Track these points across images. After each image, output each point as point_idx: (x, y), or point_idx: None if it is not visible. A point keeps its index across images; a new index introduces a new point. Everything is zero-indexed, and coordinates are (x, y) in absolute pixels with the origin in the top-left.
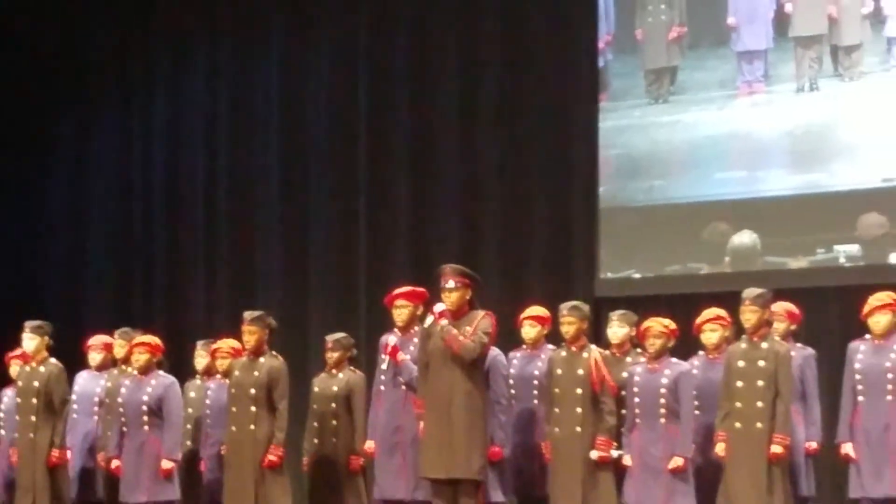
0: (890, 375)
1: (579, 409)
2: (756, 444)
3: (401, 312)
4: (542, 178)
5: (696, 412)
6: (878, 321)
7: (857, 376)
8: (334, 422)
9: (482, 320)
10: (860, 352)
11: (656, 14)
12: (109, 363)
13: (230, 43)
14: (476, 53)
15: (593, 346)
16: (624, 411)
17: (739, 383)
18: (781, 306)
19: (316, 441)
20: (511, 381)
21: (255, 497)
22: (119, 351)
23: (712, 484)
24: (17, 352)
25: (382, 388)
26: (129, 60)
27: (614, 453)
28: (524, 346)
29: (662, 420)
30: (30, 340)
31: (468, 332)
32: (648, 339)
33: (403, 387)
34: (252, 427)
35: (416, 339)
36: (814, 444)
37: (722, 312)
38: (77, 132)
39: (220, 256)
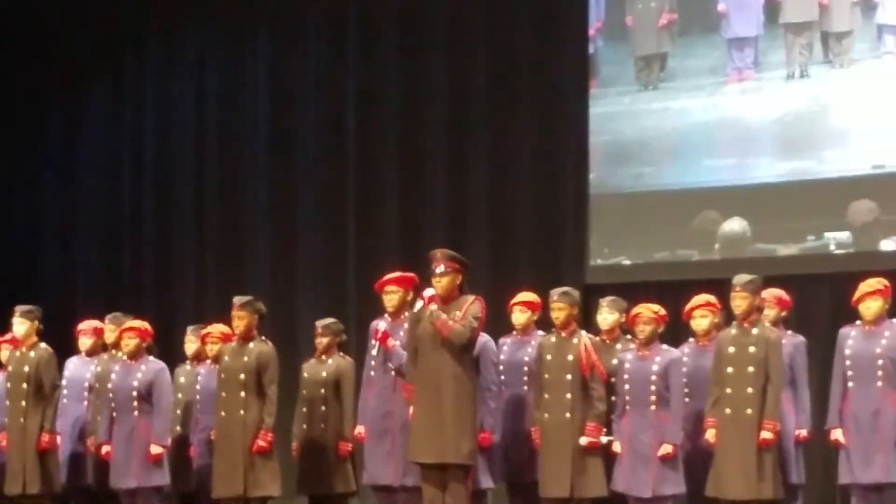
0: (880, 361)
1: (569, 395)
2: (746, 430)
3: (391, 298)
4: (532, 164)
5: (686, 399)
6: (869, 307)
7: (847, 362)
8: (323, 407)
9: (472, 305)
10: (850, 338)
11: (646, 1)
12: (99, 348)
13: (220, 26)
14: (466, 39)
15: (583, 332)
16: (613, 398)
17: (730, 369)
18: (771, 293)
19: (305, 426)
20: (501, 367)
21: (244, 482)
22: (109, 336)
23: (702, 471)
24: (7, 336)
25: (372, 373)
26: (120, 45)
27: (604, 439)
28: (514, 332)
29: (652, 407)
30: (20, 325)
31: (457, 316)
32: (638, 325)
33: (393, 372)
34: (241, 412)
35: (406, 325)
36: (804, 432)
37: (712, 299)
38: (67, 118)
39: (210, 242)
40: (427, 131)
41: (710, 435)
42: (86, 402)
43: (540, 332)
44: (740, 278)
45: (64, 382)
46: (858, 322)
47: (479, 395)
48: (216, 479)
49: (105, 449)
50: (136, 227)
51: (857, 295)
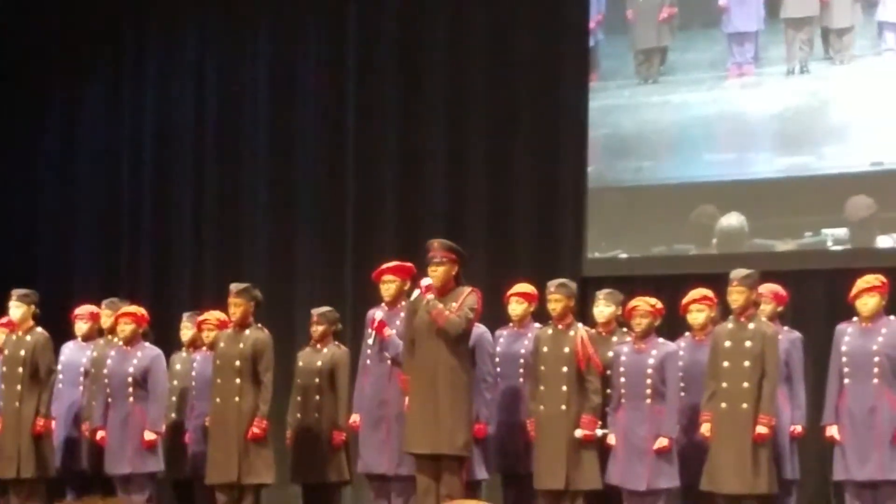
0: (876, 359)
1: (565, 388)
2: (741, 424)
3: (388, 287)
4: (531, 157)
5: (682, 393)
6: (866, 303)
7: (844, 359)
8: (317, 396)
9: (468, 296)
10: (847, 334)
11: None
12: (96, 333)
13: (221, 16)
14: (466, 34)
15: (580, 325)
16: (609, 391)
17: (726, 363)
18: (768, 288)
19: (299, 415)
20: (497, 359)
21: (238, 469)
22: (106, 321)
23: (697, 465)
24: (4, 320)
25: (368, 362)
26: (121, 34)
27: (599, 432)
28: (511, 324)
29: (648, 400)
30: (16, 309)
31: (454, 307)
32: (635, 318)
33: (389, 362)
34: (237, 399)
35: (402, 314)
36: (798, 428)
37: (708, 293)
38: (66, 105)
39: (208, 228)
40: (426, 124)
41: (705, 429)
42: (81, 388)
43: (536, 325)
44: (737, 273)
45: (59, 367)
46: (855, 319)
47: (475, 386)
48: (210, 465)
49: (100, 434)
50: (133, 213)
51: (854, 291)
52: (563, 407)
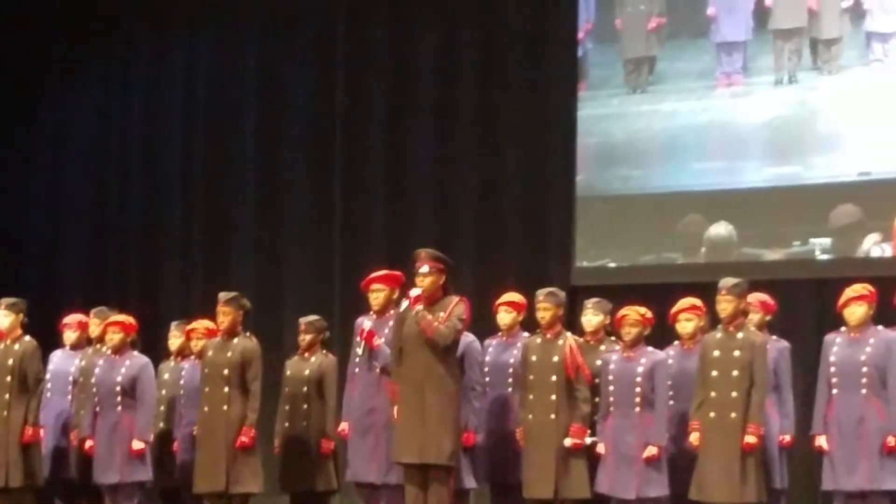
0: (865, 369)
1: (554, 397)
2: (730, 434)
3: (377, 296)
4: (520, 165)
5: (671, 401)
6: (853, 312)
7: (832, 369)
8: (305, 405)
9: (456, 306)
10: (835, 344)
11: (636, 4)
12: (84, 342)
13: (210, 23)
14: (455, 41)
15: (568, 333)
16: (597, 399)
17: (714, 373)
18: (756, 297)
19: (287, 424)
20: (486, 368)
21: (226, 478)
22: (94, 330)
23: (685, 473)
24: None
25: (357, 370)
26: (110, 39)
27: (588, 440)
28: (499, 333)
29: (637, 409)
30: (4, 318)
31: (442, 317)
32: (624, 327)
33: (378, 370)
34: (225, 407)
35: (391, 323)
36: (787, 437)
37: (697, 302)
38: (54, 113)
39: (196, 237)
40: (415, 131)
41: (694, 438)
42: (70, 396)
43: (525, 334)
44: (726, 282)
45: (48, 376)
46: (843, 329)
47: (464, 396)
48: (198, 474)
49: (88, 443)
50: (121, 222)
51: (842, 300)
52: (553, 416)
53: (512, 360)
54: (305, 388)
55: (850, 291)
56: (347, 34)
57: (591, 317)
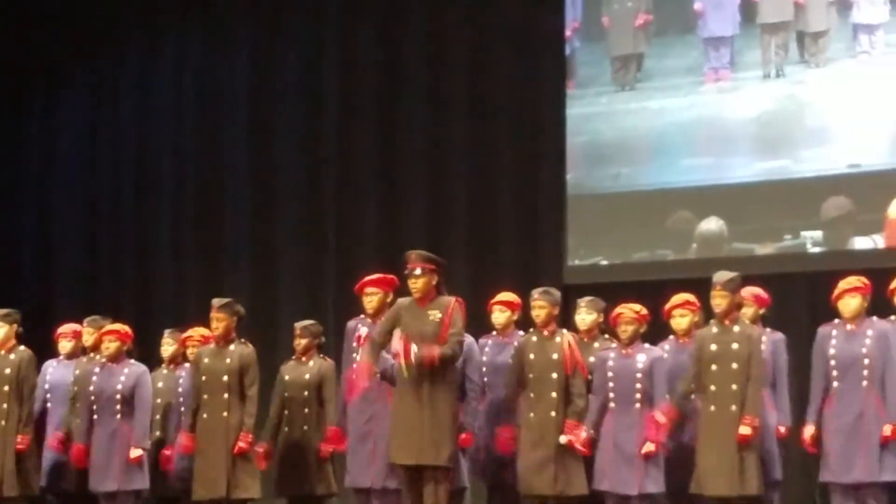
0: (866, 361)
1: (554, 394)
2: (730, 427)
3: (371, 299)
4: (510, 165)
5: (666, 395)
6: (848, 304)
7: (832, 362)
8: (305, 409)
9: (454, 312)
10: (833, 337)
11: (622, 1)
12: (79, 352)
13: (200, 27)
14: (444, 40)
15: (565, 331)
16: (591, 396)
17: (714, 367)
18: (749, 291)
19: (286, 428)
20: (483, 369)
21: (226, 484)
22: (88, 339)
23: (680, 468)
24: None
25: (355, 376)
26: (100, 43)
27: (583, 435)
28: (494, 333)
29: (638, 405)
30: None
31: (437, 316)
32: (620, 325)
33: (378, 376)
34: (225, 414)
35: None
36: (783, 429)
37: (691, 297)
38: (44, 120)
39: (189, 245)
40: (406, 133)
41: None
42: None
43: (520, 332)
44: (720, 276)
45: (47, 386)
46: (837, 321)
47: (461, 396)
48: (197, 480)
49: (77, 447)
50: (114, 231)
51: (836, 292)
52: (553, 413)
53: (509, 360)
54: (306, 393)
55: (843, 284)
56: (337, 36)
57: (585, 315)
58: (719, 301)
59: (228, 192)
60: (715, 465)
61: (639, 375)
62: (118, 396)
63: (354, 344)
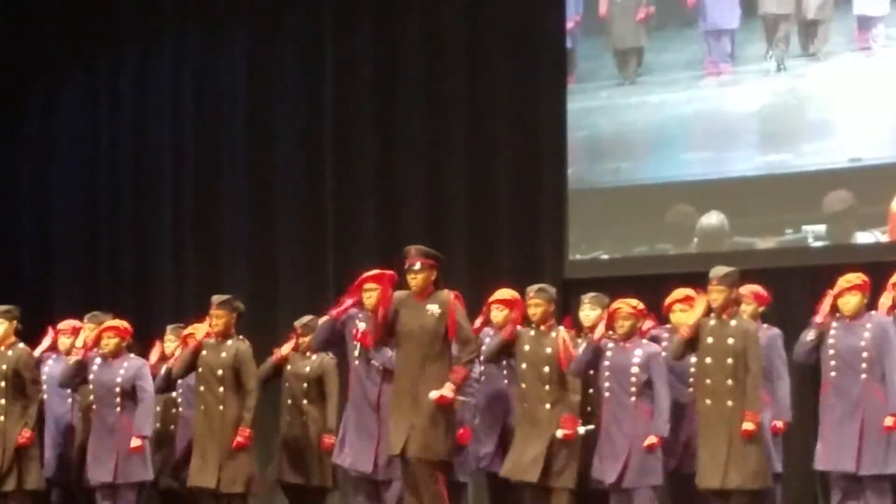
0: (865, 354)
1: (547, 387)
2: (728, 422)
3: (370, 295)
4: (510, 160)
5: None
6: (848, 302)
7: (831, 352)
8: (306, 402)
9: (458, 316)
10: (833, 328)
11: None
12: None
13: (198, 21)
14: (443, 35)
15: (561, 327)
16: (591, 390)
17: (708, 360)
18: (749, 288)
19: (288, 419)
20: (481, 368)
21: (221, 477)
22: (89, 335)
23: (680, 461)
24: None
25: (356, 370)
26: (96, 45)
27: (581, 430)
28: (492, 332)
29: (633, 398)
30: None
31: (435, 311)
32: (618, 320)
33: (381, 369)
34: (221, 407)
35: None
36: (779, 423)
37: (691, 293)
38: (43, 118)
39: (188, 241)
40: (405, 128)
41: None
42: (70, 400)
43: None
44: (717, 271)
45: (44, 377)
46: (837, 314)
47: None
48: (192, 473)
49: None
50: (113, 230)
51: (835, 290)
52: (547, 406)
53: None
54: (306, 385)
55: (843, 281)
56: (335, 34)
57: (589, 311)
58: (716, 296)
59: (227, 192)
60: (715, 459)
61: (635, 370)
62: (118, 389)
63: (353, 341)
